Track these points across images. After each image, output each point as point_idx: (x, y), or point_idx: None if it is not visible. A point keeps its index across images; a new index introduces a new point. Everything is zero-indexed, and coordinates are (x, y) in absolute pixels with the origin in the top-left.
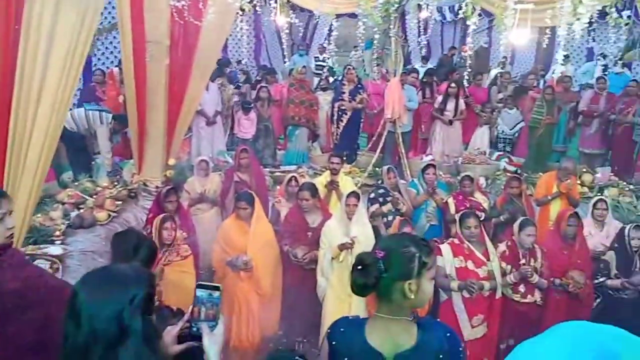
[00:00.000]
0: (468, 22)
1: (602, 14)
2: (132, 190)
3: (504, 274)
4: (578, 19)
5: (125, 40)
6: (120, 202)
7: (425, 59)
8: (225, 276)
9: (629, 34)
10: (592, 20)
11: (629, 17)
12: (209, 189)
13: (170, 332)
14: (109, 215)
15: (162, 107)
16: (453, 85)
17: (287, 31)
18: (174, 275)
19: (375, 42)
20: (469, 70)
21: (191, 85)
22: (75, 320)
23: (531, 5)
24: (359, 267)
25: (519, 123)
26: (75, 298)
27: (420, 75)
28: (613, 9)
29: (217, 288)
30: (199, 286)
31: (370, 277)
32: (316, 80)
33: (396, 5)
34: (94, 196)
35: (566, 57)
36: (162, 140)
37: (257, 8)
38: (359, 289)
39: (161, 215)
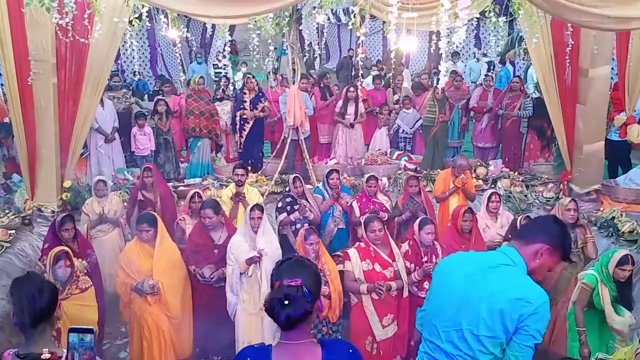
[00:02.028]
0: (358, 34)
1: (484, 13)
2: (25, 217)
3: (408, 272)
4: (456, 32)
5: (6, 59)
6: (13, 231)
7: (368, 63)
8: (131, 301)
9: (507, 35)
10: (474, 25)
11: (505, 22)
12: (108, 210)
13: None
14: (2, 247)
15: (53, 126)
16: (352, 89)
17: (180, 45)
18: (74, 310)
19: (270, 52)
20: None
21: (83, 103)
22: None
23: (415, 14)
24: (287, 302)
25: (417, 121)
26: None
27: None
28: (492, 14)
29: (90, 331)
30: (71, 330)
31: (306, 304)
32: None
33: (287, 19)
34: None
35: (455, 54)
36: (56, 161)
37: (147, 23)
38: (294, 321)
39: (53, 252)
